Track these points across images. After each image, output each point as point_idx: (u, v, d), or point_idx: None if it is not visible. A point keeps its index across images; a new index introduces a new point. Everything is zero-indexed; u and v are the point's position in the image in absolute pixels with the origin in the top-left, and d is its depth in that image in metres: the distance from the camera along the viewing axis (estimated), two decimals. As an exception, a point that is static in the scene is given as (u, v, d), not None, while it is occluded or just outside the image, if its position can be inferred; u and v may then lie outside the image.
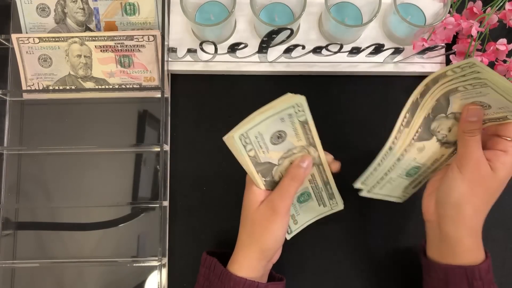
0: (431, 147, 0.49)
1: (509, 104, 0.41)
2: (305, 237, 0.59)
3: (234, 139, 0.42)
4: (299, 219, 0.53)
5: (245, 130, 0.43)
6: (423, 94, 0.46)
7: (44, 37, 0.60)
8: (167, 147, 0.61)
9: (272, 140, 0.45)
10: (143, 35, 0.59)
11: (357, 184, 0.50)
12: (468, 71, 0.41)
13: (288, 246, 0.50)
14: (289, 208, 0.47)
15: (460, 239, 0.44)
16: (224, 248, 0.53)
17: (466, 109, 0.45)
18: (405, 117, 0.47)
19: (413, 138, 0.48)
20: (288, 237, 0.53)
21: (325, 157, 0.49)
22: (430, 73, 0.62)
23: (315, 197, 0.52)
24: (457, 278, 0.44)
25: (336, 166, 0.50)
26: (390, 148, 0.48)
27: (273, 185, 0.48)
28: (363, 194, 0.51)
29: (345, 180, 0.51)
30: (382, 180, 0.51)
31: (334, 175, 0.51)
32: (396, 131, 0.47)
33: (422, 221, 0.50)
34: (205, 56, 0.60)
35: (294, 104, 0.43)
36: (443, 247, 0.46)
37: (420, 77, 0.63)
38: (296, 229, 0.54)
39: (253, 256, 0.47)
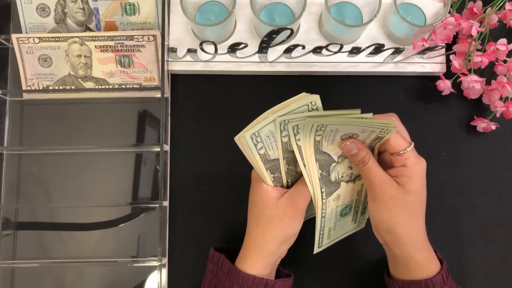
0: (345, 190, 0.48)
1: (359, 128, 0.42)
2: (305, 236, 0.59)
3: (245, 138, 0.42)
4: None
5: (257, 129, 0.42)
6: (289, 163, 0.46)
7: (44, 37, 0.60)
8: (167, 147, 0.61)
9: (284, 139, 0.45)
10: (143, 35, 0.59)
11: (316, 250, 0.51)
12: (291, 131, 0.42)
13: (294, 244, 0.49)
14: (307, 205, 0.47)
15: (408, 257, 0.45)
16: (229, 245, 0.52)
17: (342, 148, 0.45)
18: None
19: (322, 200, 0.47)
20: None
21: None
22: (430, 73, 0.62)
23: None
24: None
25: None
26: (323, 216, 0.48)
27: (281, 181, 0.48)
28: (317, 251, 0.51)
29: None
30: (323, 234, 0.50)
31: None
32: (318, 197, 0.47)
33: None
34: (205, 56, 0.60)
35: (308, 103, 0.43)
36: (397, 265, 0.47)
37: (420, 77, 0.63)
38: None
39: (267, 254, 0.47)
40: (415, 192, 0.44)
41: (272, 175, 0.47)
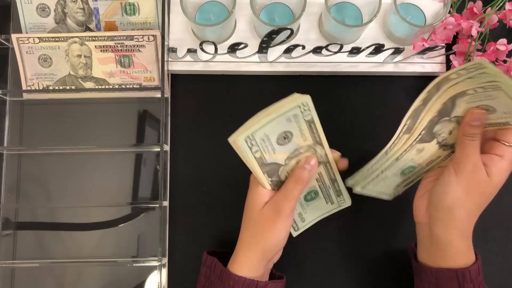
0: (431, 149, 0.49)
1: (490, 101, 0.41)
2: (305, 236, 0.59)
3: (239, 142, 0.42)
4: (306, 217, 0.53)
5: (251, 132, 0.42)
6: (426, 101, 0.46)
7: (44, 37, 0.60)
8: (167, 147, 0.61)
9: (279, 141, 0.45)
10: (143, 35, 0.59)
11: (349, 182, 0.51)
12: (475, 73, 0.40)
13: (288, 245, 0.50)
14: (293, 210, 0.47)
15: (451, 241, 0.45)
16: (225, 248, 0.53)
17: (470, 113, 0.44)
18: (405, 124, 0.47)
19: (415, 140, 0.48)
20: (295, 234, 0.53)
21: (332, 155, 0.49)
22: (430, 73, 0.62)
23: (322, 195, 0.52)
24: (448, 281, 0.44)
25: (344, 163, 0.49)
26: (386, 153, 0.48)
27: (279, 185, 0.48)
28: (357, 190, 0.51)
29: (343, 179, 0.51)
30: (377, 178, 0.51)
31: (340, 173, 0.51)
32: (395, 137, 0.48)
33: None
34: (205, 56, 0.60)
35: (300, 104, 0.43)
36: (433, 249, 0.46)
37: (420, 77, 0.63)
38: (303, 226, 0.53)
39: (254, 256, 0.47)
40: (497, 187, 0.44)
41: (270, 179, 0.47)
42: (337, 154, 0.49)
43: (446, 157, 0.49)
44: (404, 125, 0.47)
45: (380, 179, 0.51)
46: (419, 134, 0.47)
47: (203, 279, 0.50)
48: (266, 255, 0.47)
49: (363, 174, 0.50)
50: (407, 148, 0.48)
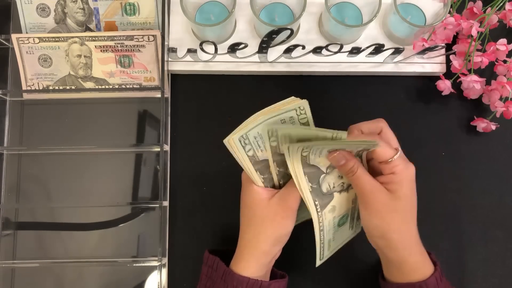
0: (340, 200, 0.48)
1: (342, 144, 0.42)
2: (303, 237, 0.59)
3: (233, 141, 0.43)
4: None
5: (245, 132, 0.43)
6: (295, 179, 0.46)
7: (44, 37, 0.60)
8: (167, 147, 0.61)
9: (271, 141, 0.45)
10: (143, 35, 0.59)
11: (319, 263, 0.51)
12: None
13: (290, 244, 0.50)
14: (298, 205, 0.47)
15: (402, 261, 0.46)
16: (225, 247, 0.53)
17: (330, 159, 0.45)
18: (315, 205, 0.46)
19: (317, 213, 0.47)
20: (318, 263, 0.51)
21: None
22: (430, 73, 0.62)
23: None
24: None
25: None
26: (321, 238, 0.48)
27: (271, 182, 0.48)
28: (319, 264, 0.51)
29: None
30: (323, 246, 0.50)
31: None
32: (318, 222, 0.47)
33: (422, 227, 0.50)
34: (205, 56, 0.60)
35: (296, 107, 0.43)
36: (391, 269, 0.48)
37: (420, 77, 0.63)
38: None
39: (261, 255, 0.47)
40: (406, 198, 0.45)
41: (262, 176, 0.47)
42: None
43: None
44: (316, 206, 0.46)
45: (327, 244, 0.51)
46: (316, 206, 0.46)
47: (204, 279, 0.49)
48: (274, 251, 0.48)
49: (321, 251, 0.50)
50: (319, 220, 0.47)
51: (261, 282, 0.46)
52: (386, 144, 0.44)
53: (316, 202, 0.46)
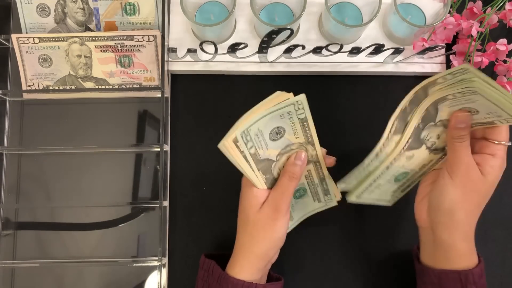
0: (421, 154, 0.49)
1: (498, 109, 0.41)
2: (303, 237, 0.59)
3: (229, 144, 0.42)
4: (294, 215, 0.53)
5: (246, 127, 0.42)
6: (412, 102, 0.46)
7: (44, 37, 0.60)
8: (167, 147, 0.61)
9: (271, 136, 0.45)
10: (143, 35, 0.59)
11: (341, 186, 0.51)
12: (459, 78, 0.41)
13: (288, 247, 0.50)
14: (289, 206, 0.47)
15: (453, 244, 0.45)
16: (224, 248, 0.53)
17: (454, 116, 0.45)
18: (393, 124, 0.47)
19: (403, 148, 0.47)
20: None
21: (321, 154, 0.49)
22: (430, 73, 0.62)
23: (310, 193, 0.53)
24: (451, 282, 0.44)
25: (331, 161, 0.50)
26: (377, 155, 0.48)
27: (273, 183, 0.48)
28: (352, 200, 0.51)
29: (336, 181, 0.51)
30: (370, 186, 0.51)
31: (332, 173, 0.51)
32: (385, 138, 0.47)
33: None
34: (205, 56, 0.60)
35: (294, 102, 0.43)
36: (436, 252, 0.46)
37: (420, 77, 0.63)
38: (291, 225, 0.54)
39: (255, 258, 0.47)
40: (492, 184, 0.44)
41: (265, 176, 0.47)
42: (324, 151, 0.49)
43: (439, 160, 0.49)
44: (392, 125, 0.47)
45: (374, 187, 0.51)
46: (407, 142, 0.47)
47: (200, 283, 0.49)
48: (268, 254, 0.47)
49: (355, 178, 0.50)
50: (396, 157, 0.48)
51: (256, 285, 0.46)
52: (508, 127, 0.44)
53: (271, 187, 0.48)
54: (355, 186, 0.51)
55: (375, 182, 0.50)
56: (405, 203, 0.54)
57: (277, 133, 0.45)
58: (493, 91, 0.39)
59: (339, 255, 0.60)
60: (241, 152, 0.43)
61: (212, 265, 0.49)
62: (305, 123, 0.45)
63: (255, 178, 0.46)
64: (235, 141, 0.42)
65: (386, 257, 0.60)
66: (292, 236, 0.53)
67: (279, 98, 0.43)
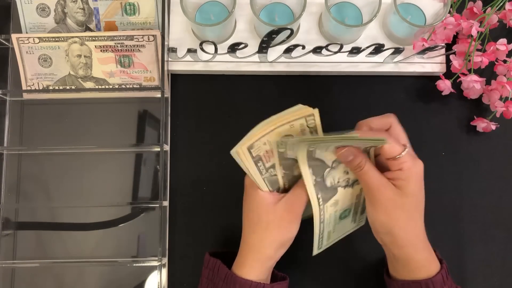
0: (344, 195, 0.48)
1: (342, 141, 0.42)
2: (302, 238, 0.59)
3: (242, 151, 0.43)
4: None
5: (253, 141, 0.43)
6: (287, 169, 0.46)
7: (44, 37, 0.60)
8: (167, 147, 0.61)
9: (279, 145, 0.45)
10: (143, 35, 0.59)
11: (316, 252, 0.51)
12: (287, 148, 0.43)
13: (291, 246, 0.50)
14: (302, 211, 0.47)
15: (408, 258, 0.45)
16: (226, 248, 0.52)
17: (338, 155, 0.45)
18: (317, 198, 0.47)
19: (319, 204, 0.47)
20: (316, 252, 0.51)
21: None
22: (430, 73, 0.62)
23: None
24: None
25: None
26: (320, 228, 0.49)
27: (277, 185, 0.48)
28: (316, 252, 0.51)
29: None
30: (326, 236, 0.51)
31: None
32: (318, 216, 0.47)
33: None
34: (205, 56, 0.60)
35: (306, 116, 0.43)
36: (396, 266, 0.47)
37: (420, 77, 0.63)
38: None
39: (265, 259, 0.47)
40: (413, 194, 0.44)
41: (268, 180, 0.47)
42: None
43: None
44: (318, 199, 0.47)
45: (332, 233, 0.51)
46: (319, 199, 0.46)
47: (205, 281, 0.49)
48: (277, 254, 0.48)
49: (318, 242, 0.50)
50: (322, 214, 0.47)
51: (264, 285, 0.46)
52: (394, 140, 0.44)
53: (319, 196, 0.46)
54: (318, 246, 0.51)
55: (323, 234, 0.50)
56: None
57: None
58: (324, 139, 0.41)
59: (336, 254, 0.60)
60: (253, 157, 0.44)
61: (218, 264, 0.48)
62: (313, 132, 0.45)
63: (262, 182, 0.46)
64: (250, 148, 0.43)
65: (368, 263, 0.60)
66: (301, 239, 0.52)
67: (304, 111, 0.43)
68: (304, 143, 0.42)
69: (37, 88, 0.62)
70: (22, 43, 0.60)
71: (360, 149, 0.45)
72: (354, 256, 0.60)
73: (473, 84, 0.58)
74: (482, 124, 0.60)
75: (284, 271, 0.52)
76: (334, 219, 0.50)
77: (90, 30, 0.62)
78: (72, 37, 0.60)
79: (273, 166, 0.46)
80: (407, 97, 0.63)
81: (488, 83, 0.60)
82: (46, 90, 0.62)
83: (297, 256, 0.59)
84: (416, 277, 0.45)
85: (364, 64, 0.62)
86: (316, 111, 0.44)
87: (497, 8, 0.59)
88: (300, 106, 0.44)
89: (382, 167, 0.46)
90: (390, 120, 0.46)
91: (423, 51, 0.57)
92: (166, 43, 0.61)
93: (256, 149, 0.44)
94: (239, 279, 0.46)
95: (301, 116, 0.43)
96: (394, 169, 0.44)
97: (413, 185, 0.44)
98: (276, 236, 0.47)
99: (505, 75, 0.59)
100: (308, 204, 0.52)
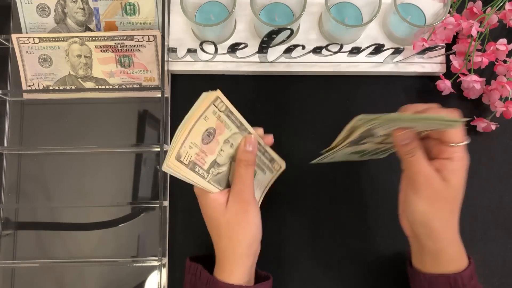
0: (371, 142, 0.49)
1: (429, 125, 0.42)
2: (298, 236, 0.59)
3: (173, 163, 0.42)
4: (255, 195, 0.53)
5: (178, 149, 0.42)
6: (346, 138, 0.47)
7: (44, 37, 0.60)
8: (167, 147, 0.61)
9: (204, 141, 0.45)
10: (143, 35, 0.59)
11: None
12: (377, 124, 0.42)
13: (278, 245, 0.50)
14: (254, 193, 0.47)
15: (439, 251, 0.45)
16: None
17: (395, 136, 0.44)
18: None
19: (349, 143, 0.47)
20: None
21: (257, 132, 0.50)
22: (430, 73, 0.62)
23: (259, 169, 0.53)
24: (441, 286, 0.45)
25: (269, 139, 0.50)
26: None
27: (224, 181, 0.48)
28: (315, 161, 0.52)
29: (348, 178, 0.51)
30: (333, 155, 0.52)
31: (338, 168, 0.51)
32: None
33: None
34: (205, 56, 0.60)
35: (213, 102, 0.44)
36: (425, 258, 0.47)
37: (420, 77, 0.63)
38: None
39: (241, 258, 0.47)
40: (458, 188, 0.44)
41: (214, 177, 0.47)
42: (261, 130, 0.50)
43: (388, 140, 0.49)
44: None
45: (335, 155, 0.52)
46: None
47: (188, 287, 0.49)
48: (252, 249, 0.47)
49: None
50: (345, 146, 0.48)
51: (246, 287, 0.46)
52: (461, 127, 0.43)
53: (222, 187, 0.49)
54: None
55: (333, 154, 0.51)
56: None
57: (208, 135, 0.45)
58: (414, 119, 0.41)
59: (333, 255, 0.60)
60: (187, 165, 0.44)
61: (199, 269, 0.48)
62: (229, 113, 0.46)
63: (208, 185, 0.47)
64: (178, 158, 0.42)
65: (383, 258, 0.59)
66: (287, 237, 0.52)
67: (209, 98, 0.43)
68: (377, 120, 0.41)
69: (37, 88, 0.62)
70: (22, 43, 0.60)
71: (418, 132, 0.44)
72: (354, 257, 0.60)
73: (473, 84, 0.58)
74: (482, 124, 0.60)
75: (269, 270, 0.52)
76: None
77: (90, 30, 0.62)
78: (72, 37, 0.60)
79: (213, 165, 0.46)
80: (407, 97, 0.63)
81: (488, 83, 0.60)
82: (46, 90, 0.62)
83: (281, 255, 0.59)
84: (445, 271, 0.45)
85: (364, 64, 0.62)
86: (218, 92, 0.44)
87: (497, 8, 0.59)
88: (203, 94, 0.44)
89: (426, 153, 0.45)
90: (455, 114, 0.45)
91: (423, 51, 0.57)
92: (166, 43, 0.61)
93: (185, 156, 0.43)
94: (221, 283, 0.46)
95: (209, 103, 0.43)
96: (444, 156, 0.43)
97: (460, 178, 0.44)
98: (240, 231, 0.46)
99: (505, 75, 0.59)
100: (258, 180, 0.52)
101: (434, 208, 0.44)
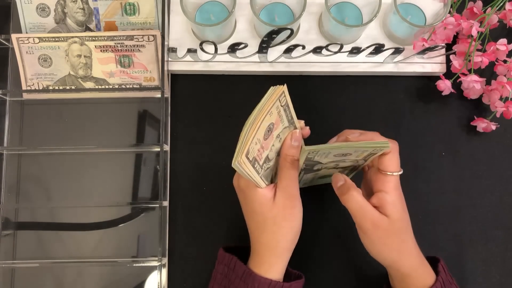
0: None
1: (343, 148, 0.44)
2: (310, 237, 0.59)
3: (243, 161, 0.42)
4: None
5: (248, 146, 0.42)
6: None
7: (44, 37, 0.60)
8: (167, 147, 0.61)
9: (265, 137, 0.45)
10: (143, 35, 0.59)
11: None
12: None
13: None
14: (299, 189, 0.48)
15: (404, 277, 0.48)
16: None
17: (332, 180, 0.48)
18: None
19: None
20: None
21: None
22: (430, 73, 0.62)
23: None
24: None
25: (307, 131, 0.51)
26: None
27: (269, 176, 0.48)
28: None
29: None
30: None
31: None
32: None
33: (422, 227, 0.50)
34: (205, 56, 0.60)
35: (280, 98, 0.44)
36: (394, 282, 0.50)
37: (420, 77, 0.63)
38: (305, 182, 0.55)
39: (283, 253, 0.47)
40: (402, 218, 0.46)
41: (264, 176, 0.47)
42: (302, 122, 0.50)
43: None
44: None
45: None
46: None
47: (220, 277, 0.49)
48: (293, 244, 0.48)
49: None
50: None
51: (283, 284, 0.46)
52: (396, 156, 0.45)
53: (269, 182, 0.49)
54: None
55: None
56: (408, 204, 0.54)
57: (269, 130, 0.45)
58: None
59: (344, 257, 0.60)
60: (250, 161, 0.43)
61: (234, 260, 0.48)
62: (286, 108, 0.46)
63: (260, 180, 0.46)
64: (247, 154, 0.42)
65: None
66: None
67: (276, 93, 0.44)
68: (306, 152, 0.43)
69: (37, 88, 0.62)
70: (22, 43, 0.60)
71: (358, 159, 0.46)
72: (363, 255, 0.60)
73: (473, 84, 0.58)
74: (482, 124, 0.60)
75: (297, 268, 0.52)
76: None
77: (90, 30, 0.62)
78: (72, 37, 0.60)
79: (266, 160, 0.46)
80: (407, 97, 0.63)
81: (488, 83, 0.60)
82: (46, 90, 0.62)
83: (309, 255, 0.59)
84: None
85: (364, 64, 0.62)
86: (284, 86, 0.44)
87: (497, 8, 0.59)
88: (271, 88, 0.44)
89: (365, 183, 0.49)
90: (392, 145, 0.46)
91: (423, 51, 0.57)
92: (166, 43, 0.61)
93: (251, 153, 0.43)
94: (258, 277, 0.46)
95: (276, 98, 0.43)
96: (381, 187, 0.46)
97: (399, 209, 0.46)
98: (286, 226, 0.47)
99: (505, 75, 0.59)
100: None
101: (387, 245, 0.46)
